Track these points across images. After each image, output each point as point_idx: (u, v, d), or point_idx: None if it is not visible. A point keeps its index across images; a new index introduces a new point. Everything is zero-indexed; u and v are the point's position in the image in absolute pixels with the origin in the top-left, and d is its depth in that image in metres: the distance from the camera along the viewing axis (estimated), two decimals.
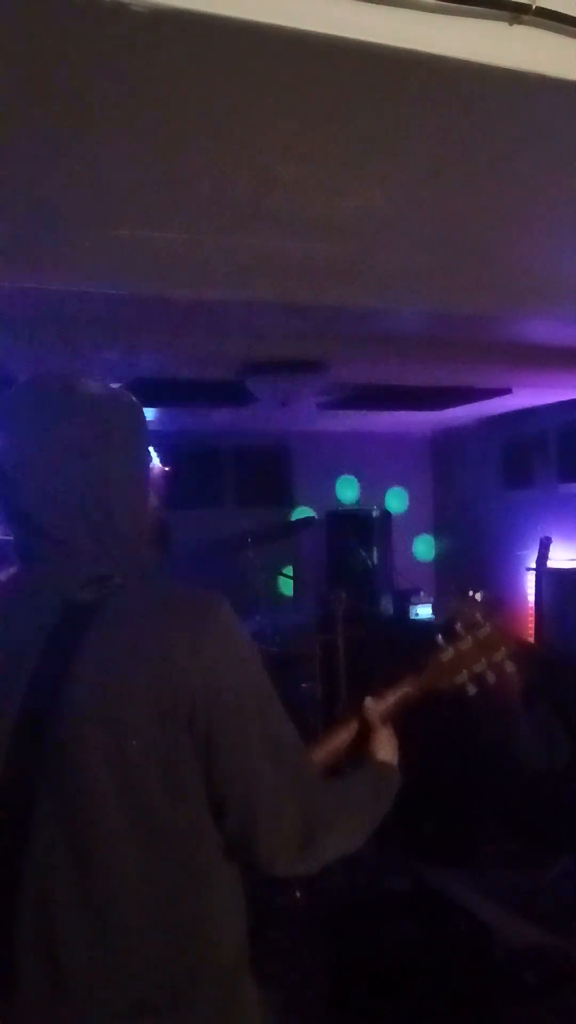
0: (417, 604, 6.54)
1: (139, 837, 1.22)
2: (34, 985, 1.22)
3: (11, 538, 1.32)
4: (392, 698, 1.61)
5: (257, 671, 1.31)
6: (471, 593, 1.70)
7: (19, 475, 1.29)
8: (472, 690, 1.63)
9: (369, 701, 1.59)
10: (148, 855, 1.22)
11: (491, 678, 1.64)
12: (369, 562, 6.47)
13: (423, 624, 6.25)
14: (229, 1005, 1.29)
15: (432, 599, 6.62)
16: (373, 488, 7.16)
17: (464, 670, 1.63)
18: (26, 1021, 1.22)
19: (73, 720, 1.20)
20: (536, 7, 1.43)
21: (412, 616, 6.47)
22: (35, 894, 1.21)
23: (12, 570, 1.34)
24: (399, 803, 1.60)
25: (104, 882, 1.22)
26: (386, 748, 1.57)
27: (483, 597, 1.70)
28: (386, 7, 1.38)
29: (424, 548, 7.60)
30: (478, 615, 1.67)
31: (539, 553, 5.73)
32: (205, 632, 1.23)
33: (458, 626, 1.65)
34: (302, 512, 6.82)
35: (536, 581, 5.74)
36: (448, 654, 1.64)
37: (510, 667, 1.64)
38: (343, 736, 1.58)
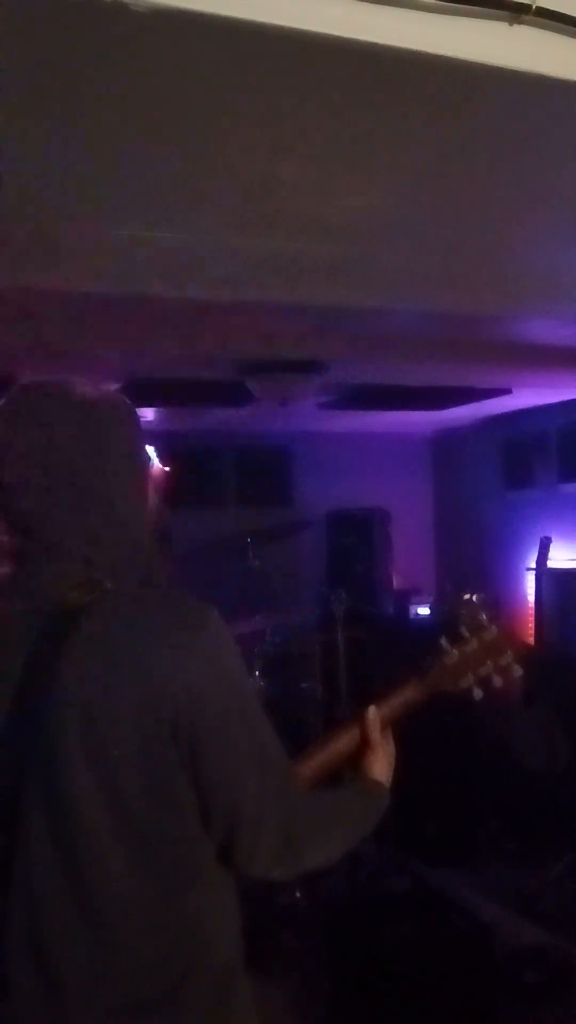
0: (417, 604, 6.53)
1: (125, 841, 1.22)
2: (26, 986, 1.22)
3: (5, 538, 1.32)
4: (395, 702, 1.59)
5: (243, 683, 1.31)
6: (468, 596, 1.69)
7: (14, 479, 1.29)
8: (478, 694, 1.61)
9: (371, 711, 1.57)
10: (136, 859, 1.23)
11: (497, 682, 1.62)
12: (368, 562, 6.47)
13: (423, 624, 6.24)
14: (222, 1006, 1.29)
15: (432, 599, 6.61)
16: (373, 488, 7.14)
17: (469, 673, 1.61)
18: (20, 1021, 1.22)
19: (58, 724, 1.20)
20: (536, 7, 1.43)
21: (412, 616, 6.47)
22: (26, 897, 1.22)
23: (4, 571, 1.34)
24: (400, 803, 1.60)
25: (94, 886, 1.22)
26: (381, 764, 1.56)
27: (480, 599, 1.69)
28: (386, 7, 1.38)
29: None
30: (483, 616, 1.65)
31: (539, 553, 5.73)
32: (191, 642, 1.23)
33: (462, 628, 1.64)
34: None
35: (536, 581, 5.73)
36: (453, 657, 1.61)
37: (517, 670, 1.62)
38: (344, 740, 1.57)
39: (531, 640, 5.63)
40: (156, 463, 1.49)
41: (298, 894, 3.85)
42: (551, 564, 5.72)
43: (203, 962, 1.28)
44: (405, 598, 6.59)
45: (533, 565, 5.81)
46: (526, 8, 1.42)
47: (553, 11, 1.45)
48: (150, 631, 1.24)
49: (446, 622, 1.68)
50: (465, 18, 1.42)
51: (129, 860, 1.22)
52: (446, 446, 7.41)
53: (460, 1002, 3.03)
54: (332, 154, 1.87)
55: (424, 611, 6.46)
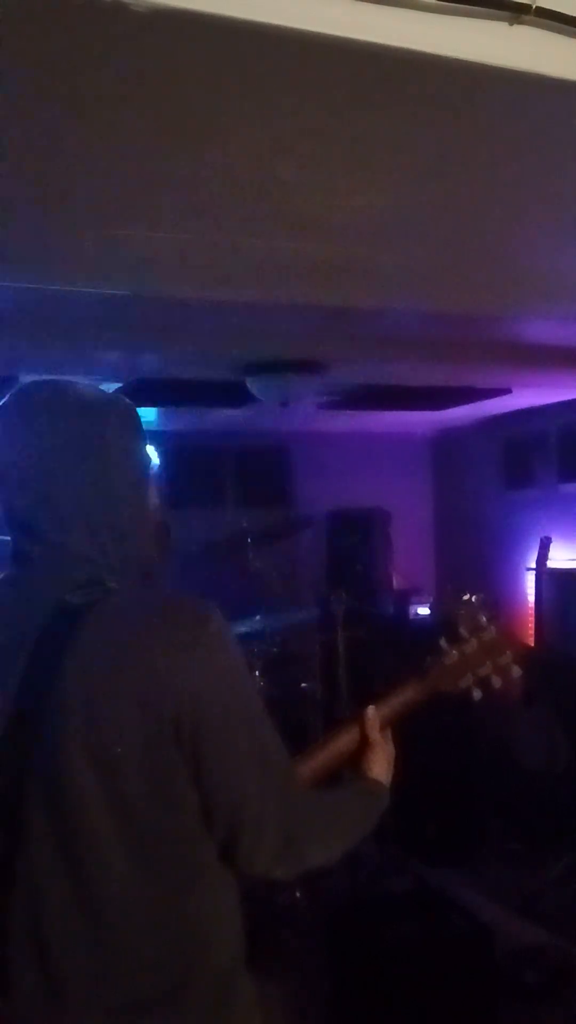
0: (417, 604, 6.53)
1: (127, 840, 1.22)
2: (27, 985, 1.22)
3: (7, 538, 1.32)
4: (395, 702, 1.60)
5: (245, 682, 1.31)
6: (467, 596, 1.69)
7: (15, 479, 1.29)
8: (477, 695, 1.62)
9: (370, 711, 1.57)
10: (137, 857, 1.23)
11: (496, 682, 1.62)
12: (368, 562, 6.47)
13: (423, 624, 6.24)
14: (223, 1006, 1.29)
15: (432, 599, 6.61)
16: (373, 488, 7.14)
17: (469, 673, 1.61)
18: (20, 1021, 1.22)
19: (60, 724, 1.20)
20: (536, 7, 1.43)
21: (412, 616, 6.47)
22: (27, 897, 1.22)
23: (8, 572, 1.34)
24: (400, 803, 1.60)
25: (95, 884, 1.23)
26: (380, 764, 1.56)
27: (479, 599, 1.69)
28: (386, 7, 1.38)
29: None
30: (482, 617, 1.65)
31: (539, 553, 5.72)
32: (194, 642, 1.23)
33: (461, 629, 1.64)
34: None
35: (536, 581, 5.73)
36: (452, 657, 1.62)
37: (516, 671, 1.63)
38: (343, 740, 1.57)
39: (531, 640, 5.62)
40: (156, 464, 1.49)
41: (298, 894, 3.85)
42: (551, 564, 5.72)
43: (204, 962, 1.28)
44: (405, 598, 6.60)
45: (533, 565, 5.81)
46: (526, 8, 1.42)
47: (553, 11, 1.45)
48: (153, 631, 1.24)
49: (446, 622, 1.69)
50: (465, 18, 1.42)
51: (130, 860, 1.22)
52: (446, 446, 7.41)
53: (460, 1002, 3.03)
54: (332, 154, 1.87)
55: (424, 611, 6.46)
